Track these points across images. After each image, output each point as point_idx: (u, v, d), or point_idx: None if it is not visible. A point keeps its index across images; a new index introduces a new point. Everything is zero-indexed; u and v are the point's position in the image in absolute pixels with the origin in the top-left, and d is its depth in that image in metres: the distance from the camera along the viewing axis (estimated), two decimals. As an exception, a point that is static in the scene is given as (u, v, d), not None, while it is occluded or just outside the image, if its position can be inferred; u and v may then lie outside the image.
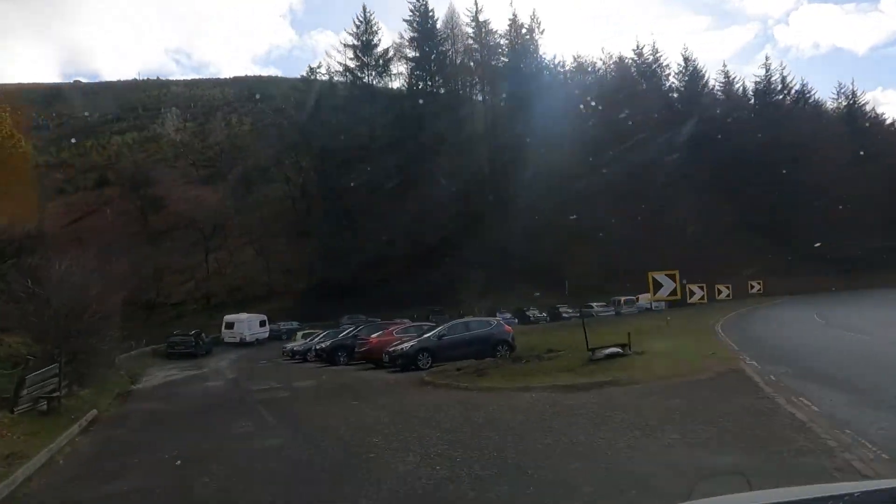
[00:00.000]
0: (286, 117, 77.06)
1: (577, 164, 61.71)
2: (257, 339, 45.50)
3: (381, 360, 20.84)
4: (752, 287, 44.42)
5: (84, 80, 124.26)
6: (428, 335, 21.41)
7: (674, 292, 19.26)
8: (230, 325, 44.38)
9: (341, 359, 24.89)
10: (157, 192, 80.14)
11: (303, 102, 70.89)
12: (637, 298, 48.57)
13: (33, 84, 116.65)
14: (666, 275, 19.29)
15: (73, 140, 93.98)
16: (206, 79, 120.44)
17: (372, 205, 59.06)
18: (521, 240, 60.75)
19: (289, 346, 33.77)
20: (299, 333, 36.96)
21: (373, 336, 22.31)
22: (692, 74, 77.17)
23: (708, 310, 34.66)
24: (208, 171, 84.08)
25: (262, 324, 46.44)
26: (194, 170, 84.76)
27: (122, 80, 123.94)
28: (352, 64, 69.51)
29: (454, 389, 14.00)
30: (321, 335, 31.37)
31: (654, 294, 19.94)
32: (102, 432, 12.48)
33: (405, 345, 20.61)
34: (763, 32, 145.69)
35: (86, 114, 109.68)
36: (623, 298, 47.94)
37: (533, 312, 51.66)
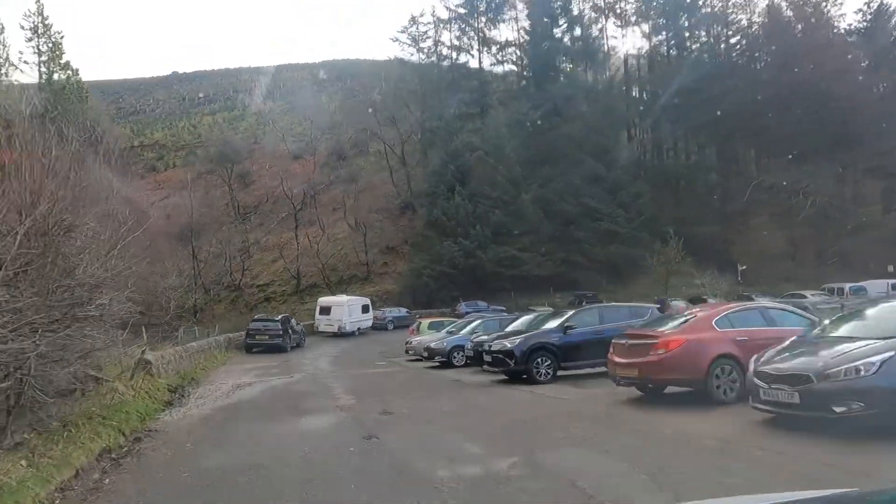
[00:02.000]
0: (380, 92, 66.82)
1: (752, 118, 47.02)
2: (359, 329, 34.46)
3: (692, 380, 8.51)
4: None
5: (181, 71, 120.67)
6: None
7: None
8: (326, 311, 33.51)
9: (542, 371, 12.75)
10: (245, 167, 72.77)
11: (397, 77, 60.77)
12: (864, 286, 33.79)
13: (137, 78, 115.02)
14: None
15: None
16: (295, 63, 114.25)
17: (491, 171, 46.83)
18: (678, 209, 46.95)
19: (415, 340, 22.10)
20: (424, 322, 25.23)
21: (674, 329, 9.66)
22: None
23: None
24: (298, 145, 75.49)
25: (365, 309, 35.32)
26: (284, 145, 76.39)
27: (215, 69, 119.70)
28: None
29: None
30: (471, 326, 19.53)
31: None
32: None
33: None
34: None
35: (183, 98, 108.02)
36: (847, 286, 33.39)
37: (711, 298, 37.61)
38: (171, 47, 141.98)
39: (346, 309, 33.19)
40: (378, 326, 36.42)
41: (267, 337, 25.47)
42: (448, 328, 22.02)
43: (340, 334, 33.01)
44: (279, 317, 26.77)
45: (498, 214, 44.30)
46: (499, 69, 56.63)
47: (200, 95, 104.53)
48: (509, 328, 17.06)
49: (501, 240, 44.60)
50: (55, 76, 29.50)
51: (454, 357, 18.24)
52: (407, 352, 22.05)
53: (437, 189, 45.64)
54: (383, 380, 16.01)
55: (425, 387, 14.12)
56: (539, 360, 12.89)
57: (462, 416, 9.53)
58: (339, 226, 56.58)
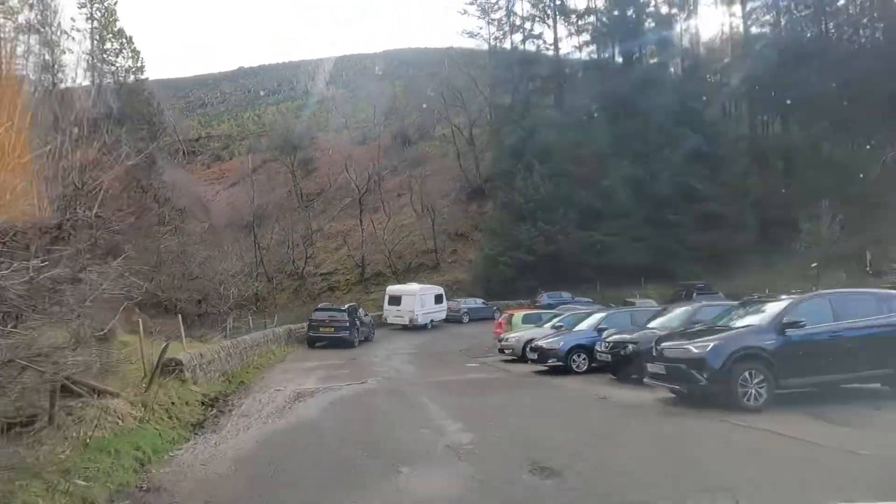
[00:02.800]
0: (446, 73, 62.67)
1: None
2: (431, 321, 30.36)
3: None
4: None
5: (246, 66, 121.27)
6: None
7: None
8: (395, 300, 29.53)
9: (752, 392, 8.06)
10: (308, 154, 70.46)
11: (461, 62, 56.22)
12: None
13: (206, 74, 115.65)
14: None
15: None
16: (354, 54, 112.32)
17: (574, 148, 41.67)
18: (790, 190, 40.40)
19: (513, 337, 17.60)
20: (517, 316, 20.71)
21: None
22: None
23: None
24: (360, 131, 72.57)
25: (439, 299, 31.16)
26: (347, 131, 73.64)
27: (279, 62, 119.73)
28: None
29: None
30: (591, 321, 14.91)
31: None
32: None
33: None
34: None
35: (248, 90, 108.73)
36: None
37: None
38: (237, 44, 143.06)
39: (419, 299, 29.12)
40: (452, 319, 32.23)
41: (332, 329, 21.66)
42: (552, 322, 17.51)
43: (412, 327, 29.02)
44: (345, 306, 22.94)
45: (583, 195, 39.18)
46: (577, 40, 51.12)
47: (265, 91, 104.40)
48: (655, 323, 12.39)
49: (587, 224, 39.47)
50: (107, 44, 26.66)
51: (573, 360, 13.70)
52: (502, 350, 17.62)
53: (513, 168, 40.93)
54: (493, 393, 11.63)
55: (566, 409, 9.62)
56: (746, 374, 8.20)
57: (691, 482, 5.00)
58: (404, 212, 52.87)
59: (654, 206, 40.10)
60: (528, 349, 16.63)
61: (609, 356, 11.96)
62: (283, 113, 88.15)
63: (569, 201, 39.56)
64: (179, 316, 13.26)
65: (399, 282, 37.19)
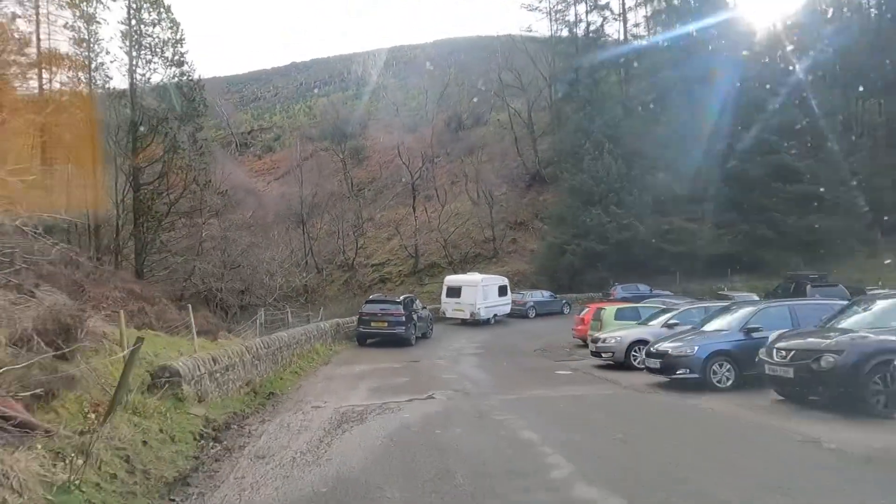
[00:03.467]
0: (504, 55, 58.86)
1: None
2: (495, 316, 26.75)
3: None
4: None
5: (298, 61, 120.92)
6: None
7: None
8: (454, 292, 26.05)
9: None
10: (359, 143, 68.11)
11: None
12: None
13: (259, 70, 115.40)
14: None
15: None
16: (406, 45, 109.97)
17: (649, 125, 37.09)
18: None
19: (612, 337, 13.62)
20: (607, 311, 16.71)
21: None
22: None
23: None
24: (412, 118, 69.55)
25: (503, 291, 27.47)
26: (398, 119, 70.78)
27: (331, 55, 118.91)
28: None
29: None
30: (735, 318, 10.93)
31: None
32: None
33: None
34: None
35: (300, 83, 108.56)
36: None
37: None
38: (289, 39, 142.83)
39: (481, 290, 25.54)
40: (516, 313, 28.52)
41: (385, 324, 18.34)
42: (663, 319, 13.62)
43: (472, 322, 25.52)
44: (401, 297, 19.55)
45: (660, 177, 34.64)
46: (648, 8, 46.16)
47: (316, 83, 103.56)
48: (849, 323, 8.42)
49: (665, 208, 34.98)
50: (144, 14, 24.18)
51: (713, 372, 9.85)
52: (598, 353, 13.84)
53: (580, 148, 36.68)
54: (618, 422, 7.91)
55: (779, 467, 5.81)
56: None
57: None
58: (459, 200, 49.44)
59: (740, 187, 35.15)
60: (633, 353, 12.92)
61: (789, 370, 8.06)
62: (333, 103, 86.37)
63: (644, 184, 35.13)
64: (190, 307, 10.12)
65: (455, 273, 33.75)
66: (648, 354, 10.97)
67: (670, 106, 35.67)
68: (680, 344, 10.51)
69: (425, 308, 21.94)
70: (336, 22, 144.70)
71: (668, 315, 13.56)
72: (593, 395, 10.08)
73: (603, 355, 13.65)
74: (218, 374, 8.59)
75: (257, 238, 28.98)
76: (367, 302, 19.72)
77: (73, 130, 26.56)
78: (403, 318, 18.49)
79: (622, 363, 13.16)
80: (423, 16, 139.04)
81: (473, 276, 26.82)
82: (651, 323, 13.96)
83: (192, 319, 9.72)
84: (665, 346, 10.68)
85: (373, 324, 18.50)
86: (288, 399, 9.80)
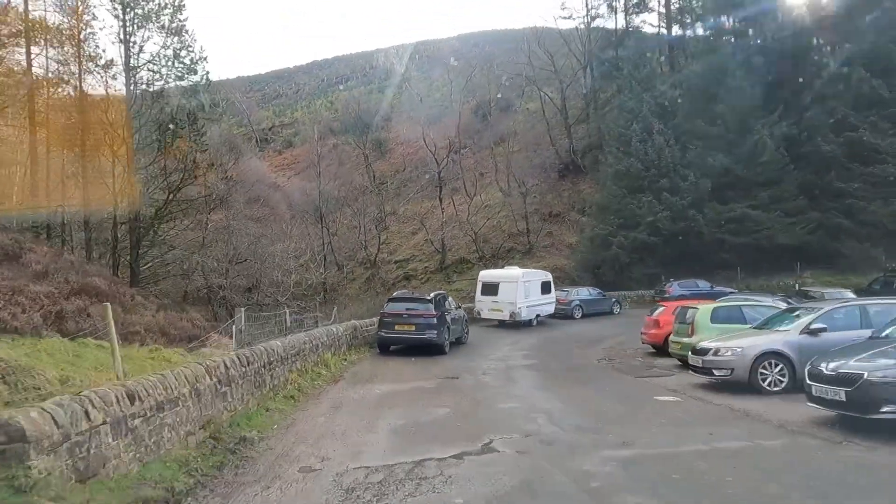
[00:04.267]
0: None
1: None
2: (537, 316, 22.89)
3: None
4: None
5: (320, 58, 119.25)
6: None
7: None
8: (491, 289, 22.21)
9: None
10: (381, 135, 64.86)
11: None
12: None
13: (281, 68, 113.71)
14: None
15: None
16: (429, 39, 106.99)
17: (706, 101, 32.76)
18: None
19: (736, 347, 9.66)
20: (701, 312, 12.62)
21: None
22: None
23: None
24: (438, 108, 65.87)
25: (546, 288, 23.52)
26: (422, 109, 67.24)
27: (354, 52, 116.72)
28: None
29: None
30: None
31: None
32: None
33: None
34: None
35: (322, 80, 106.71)
36: None
37: None
38: (311, 37, 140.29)
39: (521, 286, 21.66)
40: (559, 313, 24.59)
41: (413, 328, 14.62)
42: (800, 323, 9.64)
43: (511, 323, 21.72)
44: (431, 294, 15.78)
45: (720, 159, 30.30)
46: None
47: (336, 78, 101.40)
48: None
49: (726, 195, 30.65)
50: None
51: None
52: (706, 369, 9.92)
53: (627, 130, 32.51)
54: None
55: None
56: None
57: None
58: (488, 191, 45.61)
59: (812, 170, 30.68)
60: (761, 369, 9.03)
61: None
62: (355, 97, 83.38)
63: (700, 167, 30.84)
64: (108, 306, 6.47)
65: (487, 268, 30.00)
66: (822, 379, 7.05)
67: (729, 81, 31.29)
68: (879, 364, 6.58)
69: (459, 307, 18.17)
70: (359, 19, 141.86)
71: (808, 318, 9.58)
72: (750, 449, 6.21)
73: (716, 372, 9.74)
74: (139, 421, 4.98)
75: (268, 230, 25.57)
76: (391, 300, 15.98)
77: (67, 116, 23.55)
78: (435, 320, 14.77)
79: (744, 383, 9.30)
80: (447, 10, 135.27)
81: (513, 271, 22.96)
82: (780, 328, 9.99)
83: (111, 323, 6.08)
84: (840, 367, 6.76)
85: (397, 327, 14.81)
86: (266, 451, 6.16)
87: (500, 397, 9.31)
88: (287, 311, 12.70)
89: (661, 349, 15.09)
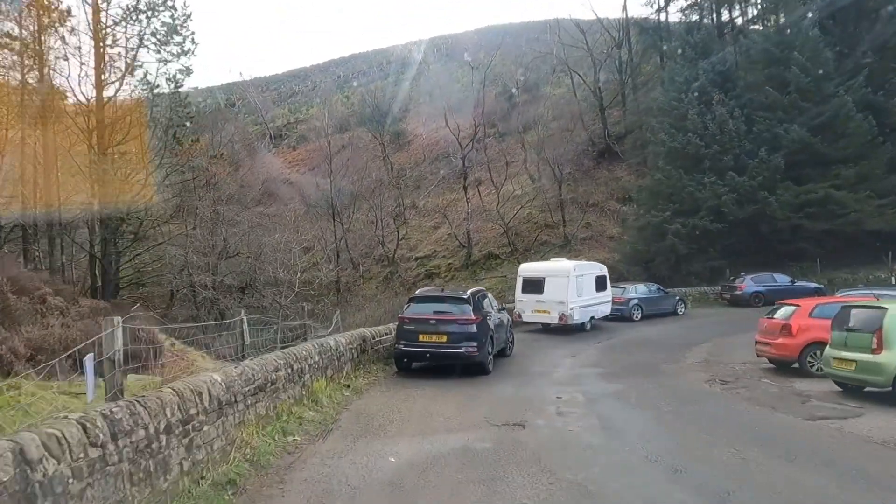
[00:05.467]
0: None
1: None
2: (592, 319, 18.40)
3: None
4: None
5: (336, 57, 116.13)
6: None
7: None
8: (534, 285, 17.75)
9: None
10: (399, 127, 60.87)
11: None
12: None
13: (298, 68, 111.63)
14: None
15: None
16: (450, 34, 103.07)
17: (777, 63, 27.86)
18: None
19: None
20: (891, 315, 8.18)
21: None
22: None
23: None
24: (458, 97, 61.51)
25: (601, 283, 18.95)
26: (443, 97, 62.92)
27: (370, 50, 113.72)
28: None
29: None
30: None
31: None
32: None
33: None
34: None
35: (338, 76, 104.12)
36: None
37: None
38: (327, 37, 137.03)
39: (574, 282, 17.20)
40: (615, 315, 20.02)
41: (445, 339, 10.25)
42: None
43: (558, 327, 17.32)
44: (467, 293, 11.29)
45: (794, 132, 25.45)
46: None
47: (352, 74, 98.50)
48: None
49: (803, 174, 25.77)
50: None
51: None
52: None
53: (680, 102, 27.79)
54: None
55: None
56: None
57: None
58: (517, 181, 41.12)
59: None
60: None
61: None
62: (371, 90, 79.64)
63: (772, 141, 26.04)
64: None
65: (520, 263, 25.60)
66: None
67: (801, 42, 26.41)
68: None
69: (503, 308, 13.70)
70: (375, 17, 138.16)
71: None
72: None
73: None
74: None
75: (264, 218, 21.49)
76: (413, 301, 11.52)
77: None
78: (475, 328, 10.43)
79: None
80: (464, 4, 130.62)
81: (562, 263, 18.48)
82: None
83: None
84: None
85: (422, 337, 10.46)
86: None
87: (615, 475, 4.93)
88: (244, 320, 8.42)
89: (782, 364, 10.73)
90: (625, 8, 38.72)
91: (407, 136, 59.34)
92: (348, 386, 9.01)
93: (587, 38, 43.79)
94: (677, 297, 22.16)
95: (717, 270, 26.25)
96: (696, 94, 27.16)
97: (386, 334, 12.10)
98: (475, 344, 10.33)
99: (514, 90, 55.02)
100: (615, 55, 44.27)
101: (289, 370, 7.16)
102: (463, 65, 65.97)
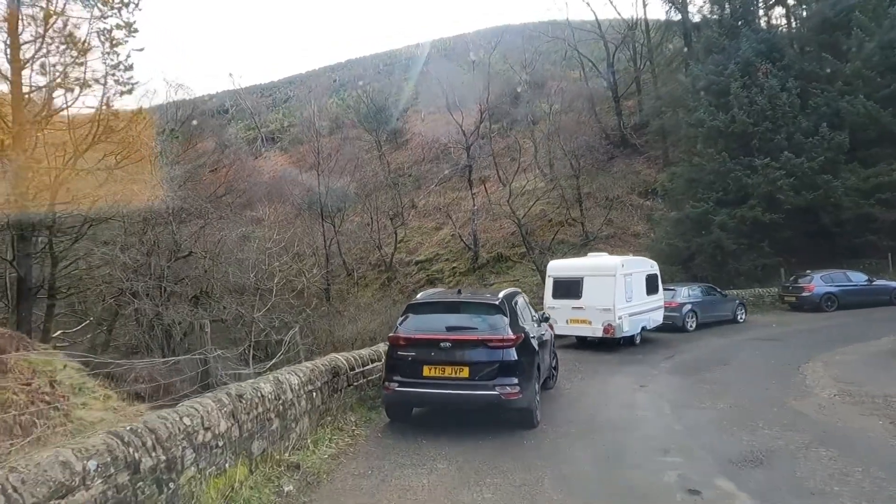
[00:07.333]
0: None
1: None
2: (643, 330, 14.28)
3: None
4: None
5: (332, 62, 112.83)
6: None
7: None
8: (569, 288, 13.68)
9: None
10: (397, 125, 57.08)
11: None
12: None
13: (295, 74, 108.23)
14: None
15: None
16: (451, 36, 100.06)
17: (832, 30, 23.93)
18: None
19: None
20: None
21: None
22: None
23: None
24: (460, 93, 57.51)
25: (653, 285, 14.86)
26: (443, 98, 59.02)
27: (367, 55, 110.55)
28: None
29: None
30: None
31: None
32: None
33: None
34: None
35: (334, 80, 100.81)
36: None
37: None
38: (321, 43, 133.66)
39: (622, 283, 13.14)
40: (666, 324, 15.86)
41: (465, 371, 6.17)
42: None
43: (599, 341, 13.23)
44: (498, 296, 7.00)
45: (859, 105, 21.45)
46: None
47: (349, 82, 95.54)
48: None
49: (869, 154, 21.75)
50: None
51: None
52: None
53: (720, 77, 23.79)
54: None
55: None
56: None
57: None
58: (526, 176, 37.10)
59: None
60: None
61: None
62: (367, 91, 75.92)
63: (833, 119, 22.05)
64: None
65: (541, 265, 21.54)
66: None
67: (865, 2, 22.52)
68: None
69: (546, 318, 9.44)
70: (372, 23, 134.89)
71: None
72: None
73: None
74: None
75: (226, 211, 17.44)
76: (412, 309, 7.17)
77: None
78: (514, 355, 6.30)
79: None
80: (463, 6, 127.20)
81: (605, 259, 14.36)
82: None
83: None
84: None
85: (428, 370, 6.28)
86: None
87: None
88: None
89: None
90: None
91: (405, 134, 55.56)
92: (297, 467, 4.88)
93: (599, 24, 40.07)
94: (737, 301, 18.05)
95: (769, 268, 22.20)
96: (739, 67, 23.17)
97: (373, 360, 7.98)
98: (516, 381, 6.19)
99: (521, 77, 51.08)
100: (629, 41, 40.48)
101: (152, 464, 3.03)
102: (465, 65, 62.17)
